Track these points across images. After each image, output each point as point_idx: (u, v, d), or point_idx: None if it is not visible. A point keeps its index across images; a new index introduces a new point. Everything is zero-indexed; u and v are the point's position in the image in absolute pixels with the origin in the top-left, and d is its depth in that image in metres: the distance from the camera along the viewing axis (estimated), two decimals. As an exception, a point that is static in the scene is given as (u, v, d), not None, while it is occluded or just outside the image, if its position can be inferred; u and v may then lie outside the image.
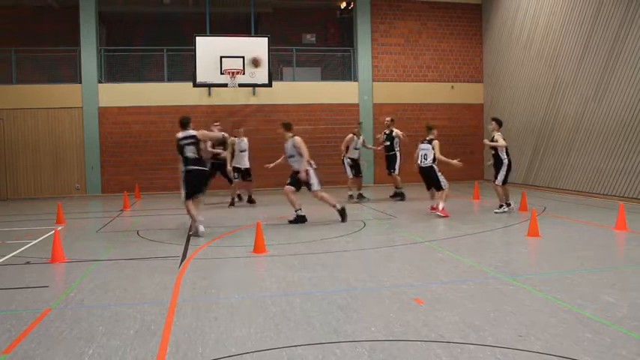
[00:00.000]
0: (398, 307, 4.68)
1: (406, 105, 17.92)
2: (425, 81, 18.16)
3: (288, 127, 9.84)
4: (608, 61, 12.37)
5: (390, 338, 3.95)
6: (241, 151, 12.63)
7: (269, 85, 15.50)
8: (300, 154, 9.53)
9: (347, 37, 18.93)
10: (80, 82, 16.32)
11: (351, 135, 12.83)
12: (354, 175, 12.99)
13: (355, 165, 12.98)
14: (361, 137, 13.08)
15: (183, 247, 7.62)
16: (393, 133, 12.93)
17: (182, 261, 6.74)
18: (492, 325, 4.18)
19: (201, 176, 8.65)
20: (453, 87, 18.34)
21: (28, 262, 6.84)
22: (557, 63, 14.35)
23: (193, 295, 5.26)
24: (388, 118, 13.27)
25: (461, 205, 12.27)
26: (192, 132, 8.58)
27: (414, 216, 10.39)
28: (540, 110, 15.19)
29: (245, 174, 12.71)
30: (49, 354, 3.79)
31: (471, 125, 18.62)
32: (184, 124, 8.63)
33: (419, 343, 3.85)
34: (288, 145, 9.73)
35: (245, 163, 12.67)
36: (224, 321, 4.43)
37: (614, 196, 12.08)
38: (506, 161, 10.42)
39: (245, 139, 12.74)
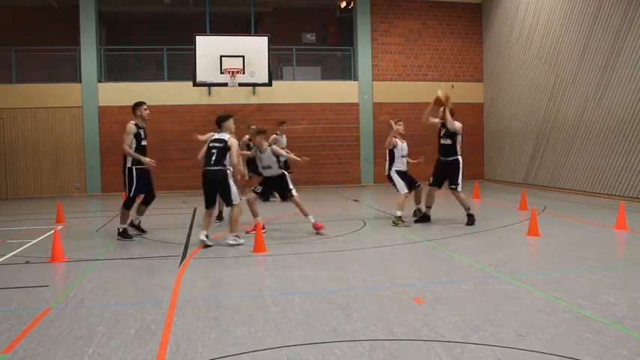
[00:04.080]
0: (398, 307, 4.68)
1: (406, 104, 17.91)
2: (425, 80, 18.13)
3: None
4: (608, 60, 12.36)
5: (390, 338, 3.95)
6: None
7: (269, 84, 15.48)
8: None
9: (347, 37, 18.91)
10: (80, 82, 16.32)
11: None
12: None
13: None
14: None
15: (183, 247, 7.62)
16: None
17: (182, 261, 6.74)
18: (492, 324, 4.18)
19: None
20: (453, 86, 18.30)
21: (27, 262, 6.84)
22: (557, 62, 14.34)
23: (193, 295, 5.25)
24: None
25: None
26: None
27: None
28: (540, 109, 15.18)
29: None
30: (49, 354, 3.79)
31: (471, 125, 18.54)
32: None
33: (419, 342, 3.85)
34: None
35: None
36: (224, 321, 4.42)
37: (615, 195, 12.07)
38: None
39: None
